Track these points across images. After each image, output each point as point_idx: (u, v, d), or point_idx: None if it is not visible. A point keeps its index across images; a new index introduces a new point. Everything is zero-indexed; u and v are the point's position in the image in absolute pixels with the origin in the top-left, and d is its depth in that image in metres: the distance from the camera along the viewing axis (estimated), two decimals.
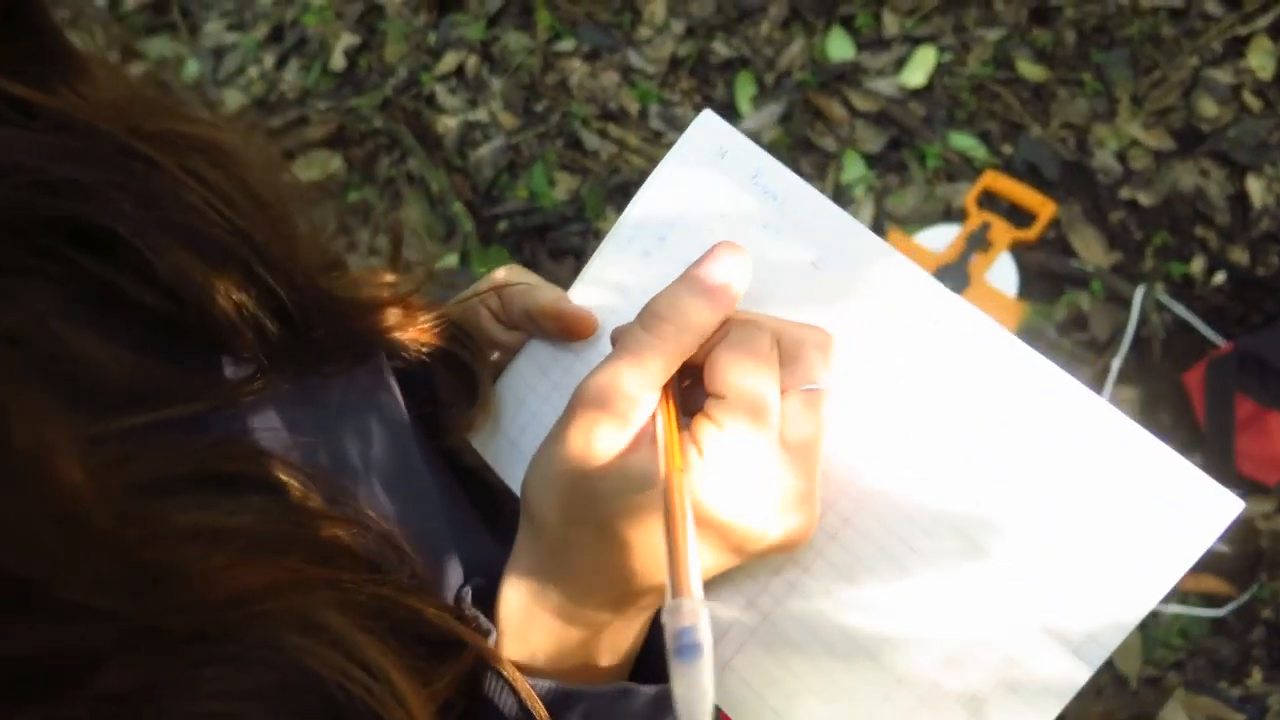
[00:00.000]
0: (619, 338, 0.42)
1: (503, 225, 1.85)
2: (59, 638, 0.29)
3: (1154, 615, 1.40)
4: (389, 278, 0.52)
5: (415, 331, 0.50)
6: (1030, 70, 1.81)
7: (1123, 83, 1.77)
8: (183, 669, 0.32)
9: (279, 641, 0.33)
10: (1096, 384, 1.53)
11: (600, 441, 0.40)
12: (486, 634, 0.42)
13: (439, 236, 1.86)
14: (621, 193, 1.82)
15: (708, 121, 0.49)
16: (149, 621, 0.31)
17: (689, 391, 0.44)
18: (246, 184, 0.43)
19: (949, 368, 0.43)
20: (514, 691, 0.41)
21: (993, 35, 1.85)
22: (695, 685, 0.32)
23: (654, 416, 0.41)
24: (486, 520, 0.52)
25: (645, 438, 0.40)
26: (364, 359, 0.48)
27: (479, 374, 0.53)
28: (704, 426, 0.40)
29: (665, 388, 0.41)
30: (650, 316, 0.41)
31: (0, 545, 0.28)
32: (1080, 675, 0.40)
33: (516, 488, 0.50)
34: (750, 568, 0.45)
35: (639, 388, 0.40)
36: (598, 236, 1.69)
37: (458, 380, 0.53)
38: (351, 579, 0.37)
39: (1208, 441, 1.48)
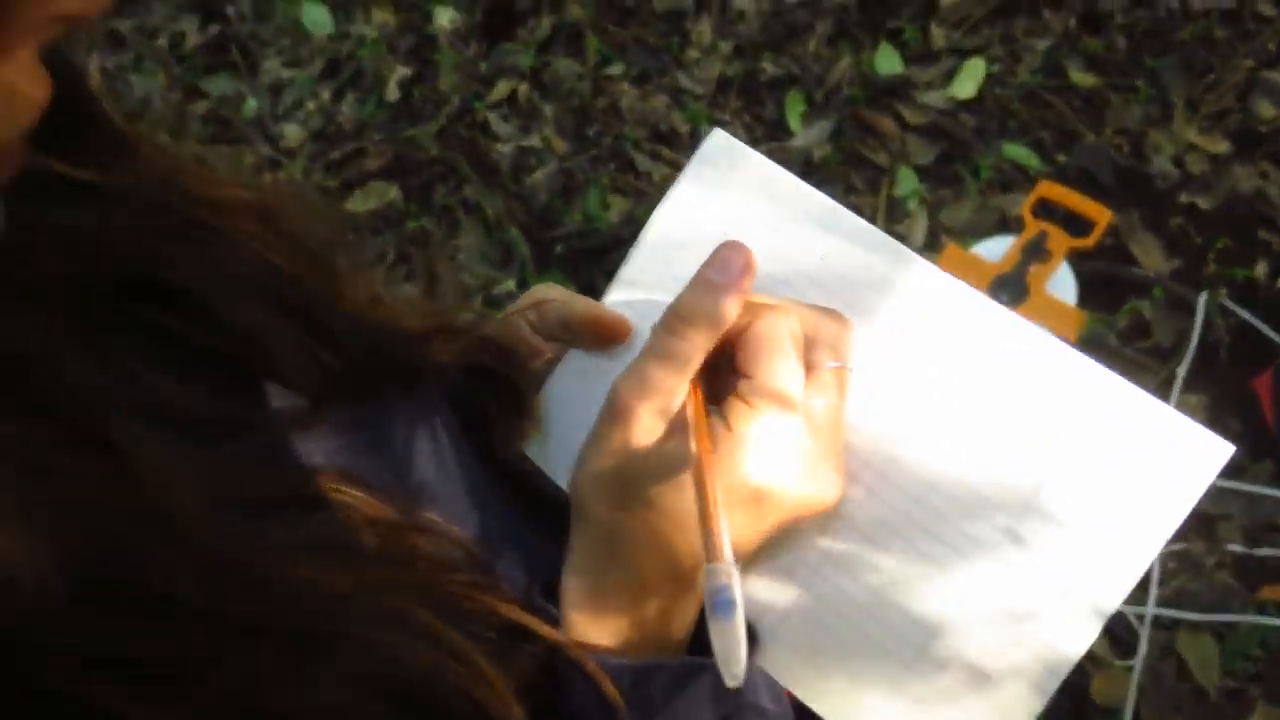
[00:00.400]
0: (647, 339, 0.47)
1: (559, 249, 1.87)
2: (184, 640, 0.32)
3: (1231, 626, 1.38)
4: (430, 306, 0.57)
5: (460, 353, 0.55)
6: (1081, 78, 1.81)
7: (1177, 87, 1.76)
8: (295, 665, 0.35)
9: (376, 637, 0.37)
10: (1162, 391, 1.52)
11: (638, 434, 0.45)
12: (556, 624, 0.46)
13: (496, 262, 1.89)
14: None
15: (718, 138, 0.54)
16: (260, 624, 0.34)
17: (723, 376, 0.47)
18: (292, 235, 0.48)
19: (946, 341, 0.48)
20: (583, 672, 0.44)
21: (1042, 44, 1.85)
22: (731, 637, 0.37)
23: (684, 405, 0.45)
24: (540, 522, 0.55)
25: (678, 426, 0.45)
26: (416, 382, 0.52)
27: (523, 387, 0.57)
28: (735, 406, 0.44)
29: (692, 378, 0.46)
30: (671, 318, 0.46)
31: (133, 562, 0.31)
32: (1091, 632, 0.45)
33: (563, 482, 0.54)
34: (785, 540, 0.49)
35: (668, 382, 0.45)
36: None
37: (503, 394, 0.57)
38: (431, 579, 0.42)
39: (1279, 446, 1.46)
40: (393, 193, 2.01)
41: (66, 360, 0.33)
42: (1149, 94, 1.76)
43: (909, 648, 0.47)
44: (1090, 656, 1.42)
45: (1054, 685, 0.46)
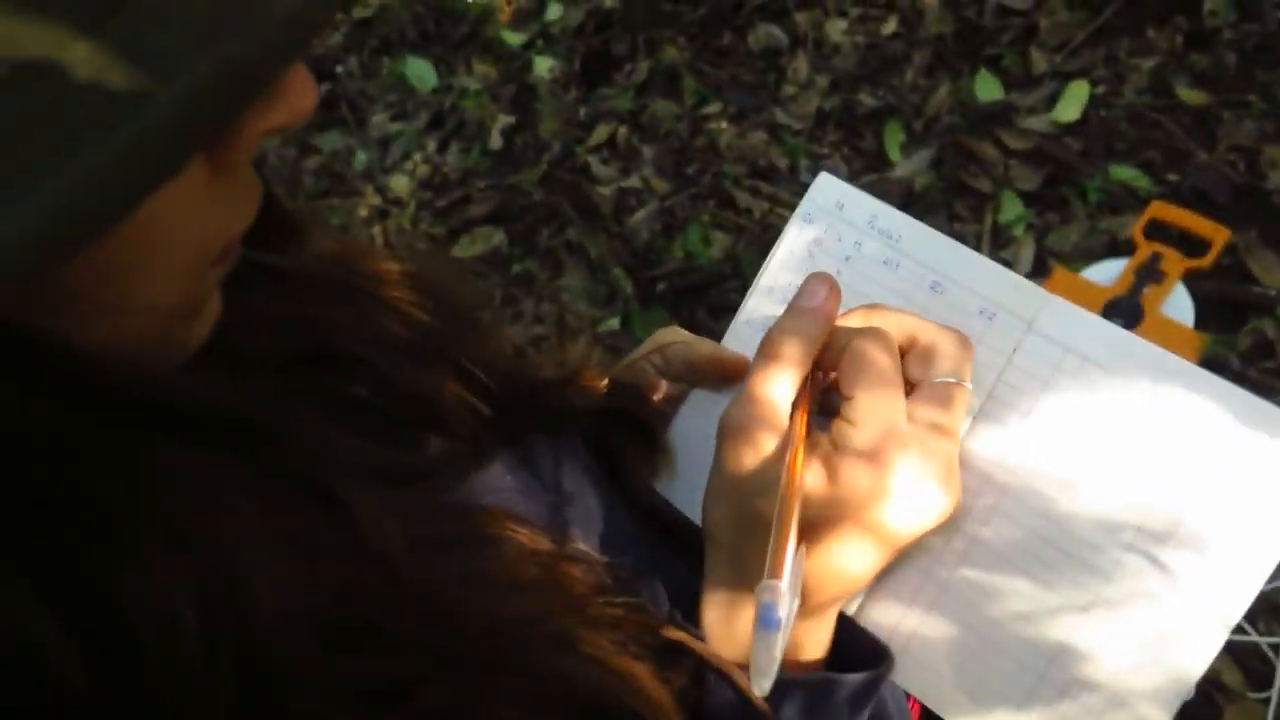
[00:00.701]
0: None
1: (661, 286, 1.89)
2: (392, 667, 0.36)
3: None
4: (564, 355, 0.61)
5: (594, 396, 0.58)
6: (1190, 95, 1.77)
7: None
8: (482, 687, 0.38)
9: (549, 660, 0.40)
10: None
11: (747, 456, 0.47)
12: (701, 641, 0.48)
13: (600, 302, 1.92)
14: None
15: (824, 181, 0.57)
16: (452, 651, 0.37)
17: (836, 398, 0.50)
18: (444, 302, 0.53)
19: (1072, 367, 0.50)
20: (733, 685, 0.46)
21: (1147, 64, 1.82)
22: (769, 650, 0.40)
23: (790, 425, 0.47)
24: (675, 550, 0.58)
25: (785, 446, 0.47)
26: (557, 425, 0.55)
27: (655, 426, 0.60)
28: (839, 426, 0.47)
29: (797, 401, 0.48)
30: (765, 344, 0.49)
31: (357, 601, 0.35)
32: (1216, 644, 0.46)
33: (695, 518, 0.56)
34: (915, 557, 0.51)
35: (769, 405, 0.47)
36: None
37: (634, 433, 0.59)
38: (590, 604, 0.44)
39: None
40: (498, 237, 2.06)
41: (285, 421, 0.37)
42: (1262, 109, 1.72)
43: (1040, 663, 0.48)
44: (1223, 689, 1.37)
45: (1179, 702, 0.46)
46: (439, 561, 0.40)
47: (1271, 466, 0.45)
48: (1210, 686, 1.37)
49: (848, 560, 0.47)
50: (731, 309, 0.58)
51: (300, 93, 0.31)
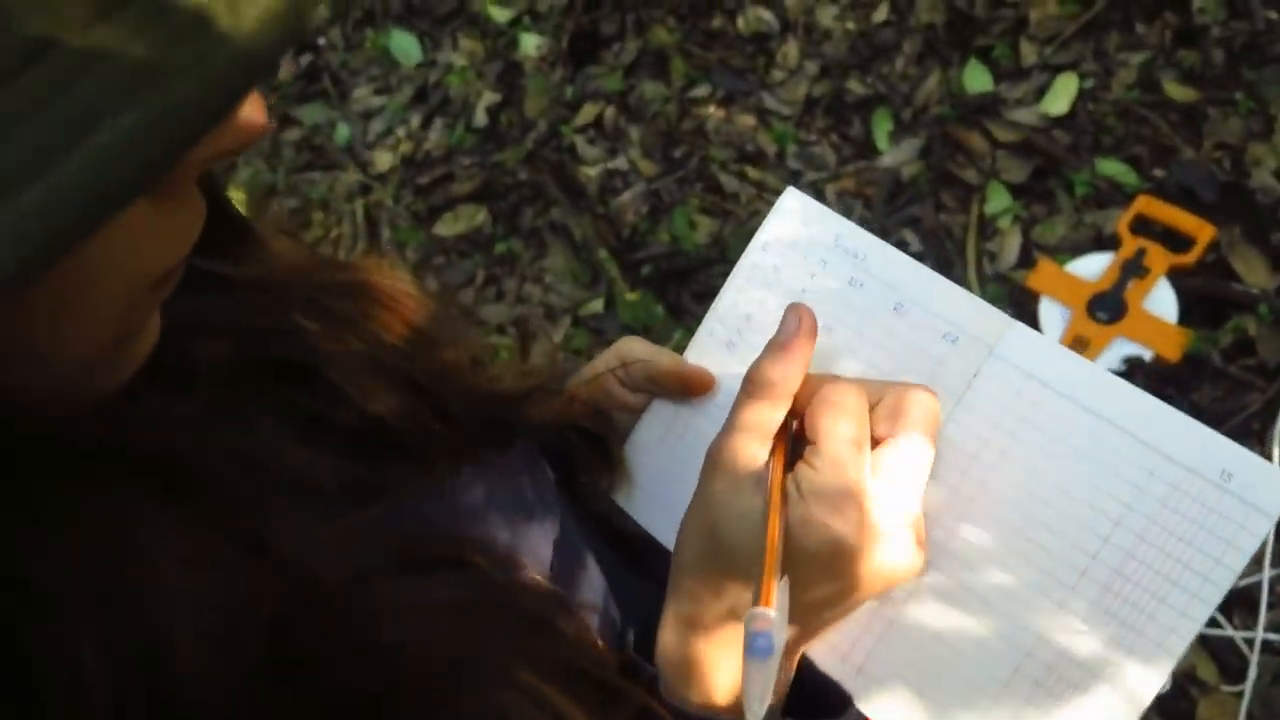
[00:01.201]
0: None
1: (646, 270, 1.88)
2: (322, 698, 0.35)
3: None
4: (523, 369, 0.61)
5: (553, 412, 0.58)
6: (1178, 92, 1.77)
7: (1277, 100, 1.72)
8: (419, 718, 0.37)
9: (489, 698, 0.40)
10: (1268, 412, 1.47)
11: (726, 494, 0.47)
12: (651, 678, 0.48)
13: (584, 283, 1.91)
14: None
15: (793, 197, 0.57)
16: (389, 682, 0.37)
17: (796, 439, 0.50)
18: (402, 314, 0.52)
19: (1029, 388, 0.50)
20: None
21: (1136, 59, 1.82)
22: (762, 676, 0.39)
23: (768, 465, 0.47)
24: (627, 561, 0.58)
25: (760, 485, 0.47)
26: (513, 441, 0.55)
27: (611, 443, 0.60)
28: (802, 470, 0.46)
29: (777, 439, 0.48)
30: (747, 383, 0.49)
31: (282, 634, 0.34)
32: (1196, 623, 0.46)
33: (654, 532, 0.57)
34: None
35: (747, 445, 0.47)
36: None
37: (592, 447, 0.60)
38: (535, 642, 0.44)
39: None
40: (481, 216, 2.04)
41: (210, 450, 0.36)
42: (1249, 107, 1.73)
43: (1001, 676, 0.49)
44: (1197, 682, 1.38)
45: (1145, 706, 0.47)
46: (381, 589, 0.40)
47: (1222, 496, 0.46)
48: (1185, 680, 1.38)
49: (824, 600, 0.47)
50: (716, 294, 0.58)
51: (248, 118, 0.30)
